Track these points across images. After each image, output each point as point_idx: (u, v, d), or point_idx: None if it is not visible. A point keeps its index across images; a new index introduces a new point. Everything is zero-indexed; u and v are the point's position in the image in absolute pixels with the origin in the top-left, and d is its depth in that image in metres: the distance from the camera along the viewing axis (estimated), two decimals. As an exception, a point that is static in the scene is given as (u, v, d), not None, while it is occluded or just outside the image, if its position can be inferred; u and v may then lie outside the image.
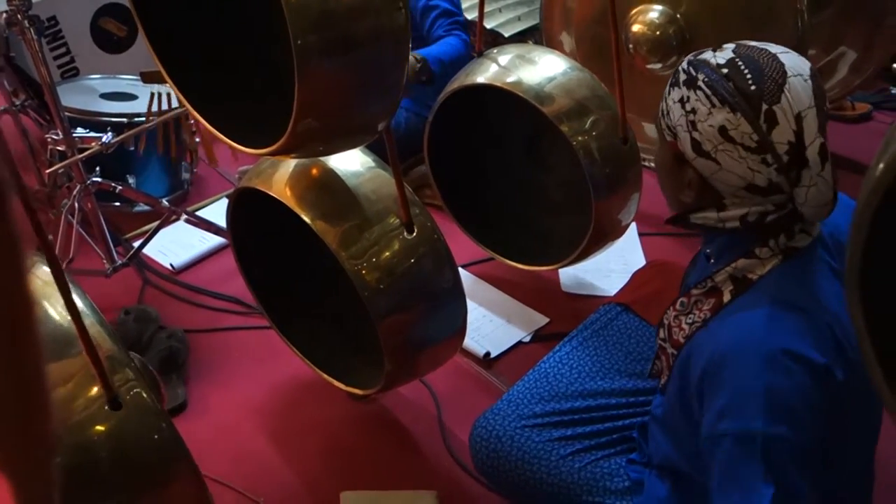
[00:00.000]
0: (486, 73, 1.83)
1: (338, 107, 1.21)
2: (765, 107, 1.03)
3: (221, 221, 1.99)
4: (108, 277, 2.11)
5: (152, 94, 2.23)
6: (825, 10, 2.79)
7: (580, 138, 1.74)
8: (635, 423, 1.49)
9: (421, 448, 1.79)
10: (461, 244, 2.07)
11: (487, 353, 2.01)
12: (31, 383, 0.57)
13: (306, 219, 1.43)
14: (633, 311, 1.71)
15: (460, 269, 1.55)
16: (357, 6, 1.12)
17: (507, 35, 3.21)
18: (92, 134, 2.19)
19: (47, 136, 2.13)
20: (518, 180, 2.24)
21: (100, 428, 1.02)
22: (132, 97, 2.60)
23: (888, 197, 0.62)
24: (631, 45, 2.55)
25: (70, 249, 2.06)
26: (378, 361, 1.53)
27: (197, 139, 2.41)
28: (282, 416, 1.86)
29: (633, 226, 2.37)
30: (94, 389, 1.02)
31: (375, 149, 1.49)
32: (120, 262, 2.12)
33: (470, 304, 1.59)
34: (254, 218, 1.71)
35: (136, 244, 2.21)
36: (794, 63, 1.06)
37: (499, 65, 1.83)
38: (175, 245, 2.42)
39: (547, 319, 2.13)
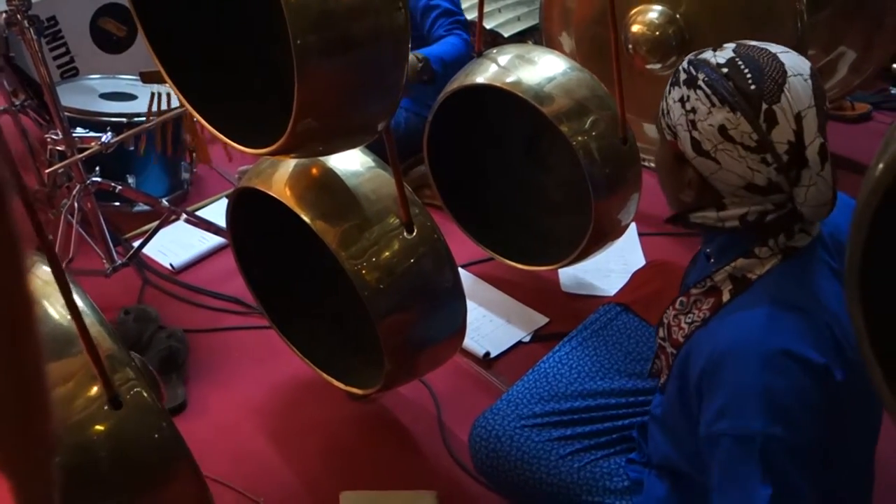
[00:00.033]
0: (486, 73, 1.83)
1: (337, 107, 1.21)
2: (765, 106, 1.03)
3: (221, 221, 1.99)
4: (108, 277, 2.11)
5: (152, 94, 2.23)
6: (823, 10, 2.79)
7: (580, 138, 1.74)
8: (635, 423, 1.49)
9: (421, 448, 1.79)
10: (461, 244, 2.07)
11: (487, 353, 2.01)
12: (31, 383, 0.57)
13: (306, 219, 1.43)
14: (632, 311, 1.71)
15: (460, 269, 1.55)
16: (357, 6, 1.12)
17: (506, 35, 3.21)
18: (91, 134, 2.19)
19: (47, 136, 2.13)
20: (518, 180, 2.24)
21: (100, 427, 1.02)
22: (132, 97, 2.60)
23: (888, 197, 0.62)
24: (630, 46, 2.55)
25: (70, 249, 2.06)
26: (378, 361, 1.53)
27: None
28: (281, 415, 1.86)
29: (633, 226, 2.37)
30: (95, 389, 1.02)
31: (375, 149, 1.49)
32: (120, 261, 2.12)
33: (470, 304, 1.59)
34: (253, 218, 1.71)
35: (136, 244, 2.21)
36: (795, 63, 1.06)
37: (498, 65, 1.83)
38: (175, 245, 2.42)
39: (547, 319, 2.13)
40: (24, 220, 0.86)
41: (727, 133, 1.05)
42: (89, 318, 1.04)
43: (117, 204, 2.44)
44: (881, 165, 0.62)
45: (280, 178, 1.49)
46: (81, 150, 2.06)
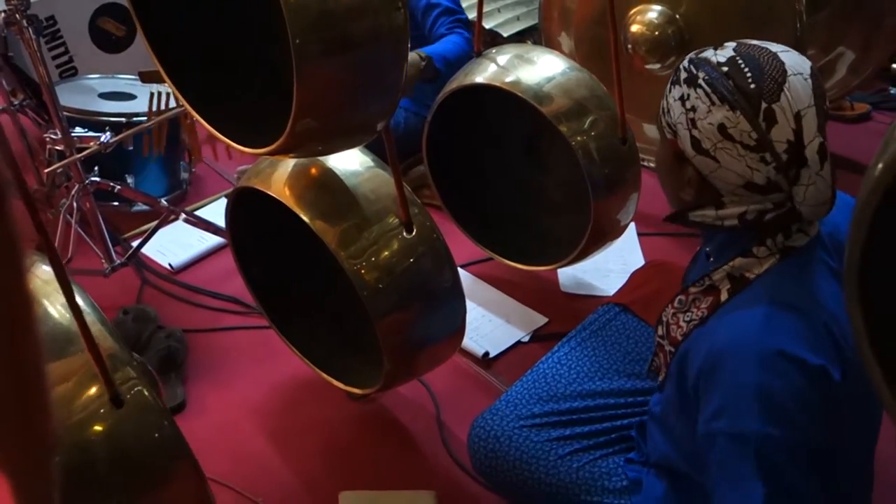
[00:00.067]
0: (485, 72, 1.83)
1: (337, 107, 1.21)
2: (764, 105, 1.04)
3: (220, 221, 1.99)
4: (107, 277, 2.10)
5: (152, 94, 2.23)
6: (822, 10, 2.79)
7: (579, 138, 1.74)
8: (633, 423, 1.49)
9: (420, 448, 1.79)
10: (460, 244, 2.07)
11: (486, 353, 2.01)
12: (31, 383, 0.57)
13: (305, 218, 1.43)
14: (631, 311, 1.71)
15: (459, 269, 1.55)
16: (356, 6, 1.12)
17: (505, 35, 3.21)
18: (90, 133, 2.19)
19: (46, 135, 2.12)
20: (517, 180, 2.24)
21: (101, 426, 1.02)
22: (131, 97, 2.59)
23: (887, 197, 0.62)
24: (630, 46, 2.55)
25: (69, 249, 2.06)
26: (377, 361, 1.53)
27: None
28: (281, 415, 1.86)
29: (632, 226, 2.37)
30: (95, 388, 1.02)
31: (374, 148, 1.49)
32: (118, 261, 2.12)
33: (469, 304, 1.59)
34: (253, 218, 1.71)
35: (135, 244, 2.21)
36: (795, 62, 1.06)
37: (497, 65, 1.83)
38: (174, 245, 2.42)
39: (546, 319, 2.13)
40: (23, 219, 0.86)
41: (726, 131, 1.05)
42: (90, 317, 1.04)
43: (116, 204, 2.44)
44: (881, 165, 0.62)
45: (279, 177, 1.49)
46: (80, 150, 2.06)
